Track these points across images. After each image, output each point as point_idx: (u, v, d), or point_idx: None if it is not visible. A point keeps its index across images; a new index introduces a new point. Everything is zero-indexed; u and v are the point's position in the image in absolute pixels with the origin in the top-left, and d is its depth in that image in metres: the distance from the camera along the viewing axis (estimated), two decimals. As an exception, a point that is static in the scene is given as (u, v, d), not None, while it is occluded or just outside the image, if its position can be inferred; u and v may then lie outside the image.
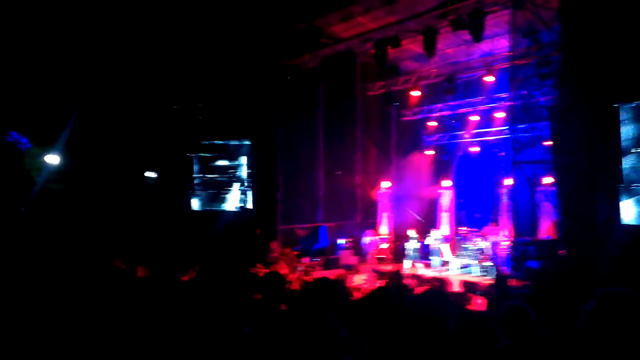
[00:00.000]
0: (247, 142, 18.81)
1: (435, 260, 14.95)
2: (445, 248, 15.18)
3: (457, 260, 14.83)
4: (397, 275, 13.30)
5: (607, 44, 9.29)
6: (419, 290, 11.87)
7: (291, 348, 2.09)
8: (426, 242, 15.48)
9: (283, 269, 14.13)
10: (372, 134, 18.65)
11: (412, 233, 15.59)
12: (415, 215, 17.39)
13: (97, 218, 15.54)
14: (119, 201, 16.91)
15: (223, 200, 19.45)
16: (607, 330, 2.01)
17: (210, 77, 16.18)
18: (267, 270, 12.41)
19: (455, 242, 15.94)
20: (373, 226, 18.10)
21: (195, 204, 19.90)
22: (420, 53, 13.98)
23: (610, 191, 9.16)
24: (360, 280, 13.89)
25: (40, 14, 13.54)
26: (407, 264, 14.90)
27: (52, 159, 15.87)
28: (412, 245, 15.29)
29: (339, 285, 2.83)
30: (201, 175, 20.11)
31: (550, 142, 11.20)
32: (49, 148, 16.02)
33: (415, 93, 16.77)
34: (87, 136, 16.13)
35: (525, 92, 11.33)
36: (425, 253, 15.42)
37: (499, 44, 13.93)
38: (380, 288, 3.55)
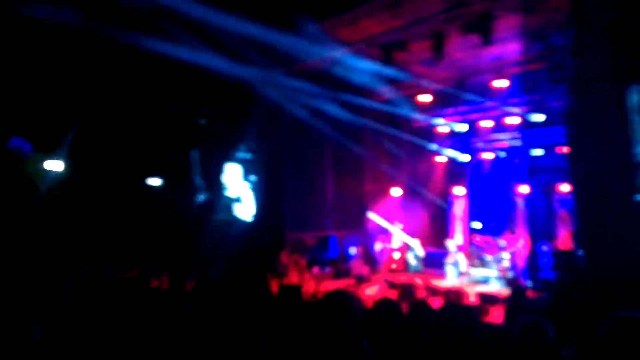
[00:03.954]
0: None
1: (451, 271, 14.45)
2: (461, 258, 14.78)
3: (473, 270, 14.44)
4: (410, 287, 13.00)
5: (621, 46, 8.95)
6: (431, 301, 11.61)
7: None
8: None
9: (294, 279, 13.92)
10: (381, 140, 18.34)
11: (414, 242, 15.04)
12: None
13: (100, 225, 15.42)
14: (122, 209, 16.80)
15: (229, 207, 19.24)
16: (622, 355, 1.98)
17: (213, 81, 15.93)
18: (278, 281, 12.29)
19: (470, 251, 15.62)
20: (386, 235, 17.82)
21: (201, 211, 19.74)
22: (428, 57, 13.70)
23: (630, 200, 8.76)
24: (372, 290, 13.61)
25: (42, 19, 13.44)
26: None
27: (55, 165, 15.79)
28: (413, 256, 14.76)
29: (353, 297, 2.75)
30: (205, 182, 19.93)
31: (565, 149, 10.85)
32: (51, 154, 15.96)
33: (424, 98, 16.44)
34: (89, 142, 16.05)
35: (538, 97, 10.98)
36: (434, 263, 15.06)
37: (509, 48, 13.57)
38: (385, 299, 3.45)
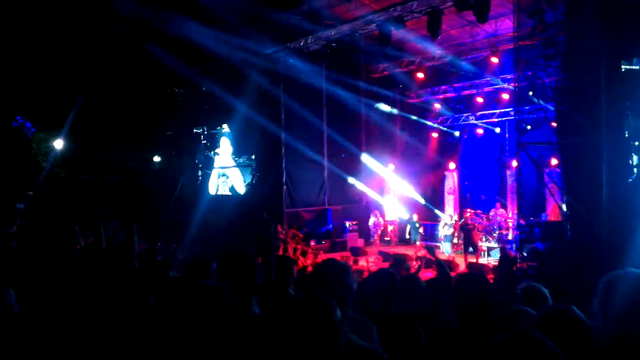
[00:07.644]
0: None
1: (445, 246, 14.72)
2: (453, 230, 15.07)
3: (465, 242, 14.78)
4: (402, 258, 13.36)
5: (612, 22, 9.16)
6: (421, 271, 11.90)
7: (295, 333, 2.04)
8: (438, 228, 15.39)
9: (291, 252, 14.21)
10: (376, 116, 18.57)
11: (414, 217, 15.51)
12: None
13: (107, 202, 15.62)
14: (128, 184, 16.98)
15: (227, 183, 19.46)
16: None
17: (209, 59, 15.98)
18: (276, 253, 12.55)
19: (461, 224, 15.96)
20: (379, 209, 18.16)
21: (201, 187, 19.95)
22: (424, 34, 13.83)
23: (618, 173, 9.06)
24: (366, 262, 13.94)
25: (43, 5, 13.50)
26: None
27: (58, 143, 15.97)
28: (415, 228, 15.13)
29: (347, 267, 2.77)
30: (205, 159, 20.12)
31: (554, 123, 11.15)
32: (54, 133, 16.07)
33: (420, 75, 16.66)
34: (91, 120, 16.14)
35: (530, 73, 11.18)
36: (431, 236, 15.41)
37: (503, 25, 13.80)
38: (382, 270, 3.54)
